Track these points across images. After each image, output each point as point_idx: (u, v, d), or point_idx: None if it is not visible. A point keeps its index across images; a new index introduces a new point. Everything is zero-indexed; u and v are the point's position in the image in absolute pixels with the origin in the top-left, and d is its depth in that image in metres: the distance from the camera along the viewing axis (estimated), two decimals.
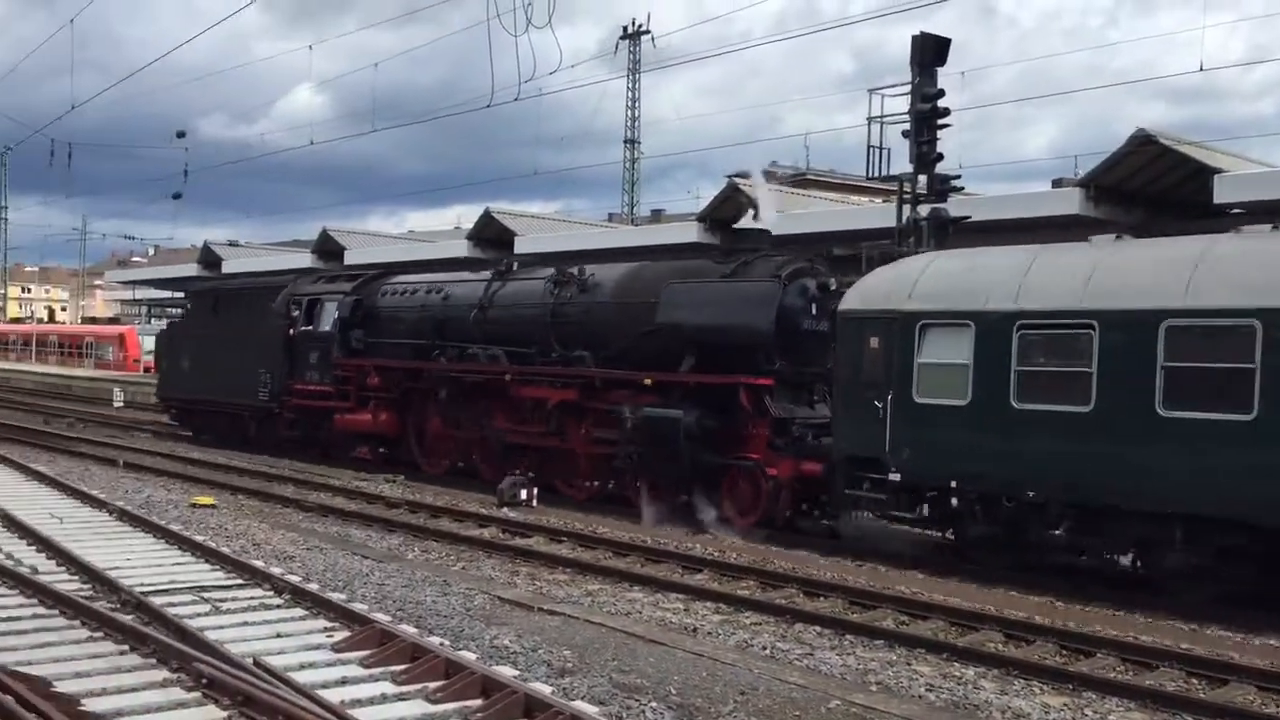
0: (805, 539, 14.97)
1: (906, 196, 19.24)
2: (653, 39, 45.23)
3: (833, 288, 15.68)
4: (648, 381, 16.67)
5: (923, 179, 18.97)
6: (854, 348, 13.98)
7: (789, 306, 15.62)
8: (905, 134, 18.85)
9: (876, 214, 23.59)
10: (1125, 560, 12.50)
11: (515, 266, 21.51)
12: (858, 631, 10.43)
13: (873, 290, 14.21)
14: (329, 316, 22.95)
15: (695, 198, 60.63)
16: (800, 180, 47.45)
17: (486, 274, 20.93)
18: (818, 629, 10.54)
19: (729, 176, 44.87)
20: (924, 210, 18.70)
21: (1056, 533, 12.31)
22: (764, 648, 9.82)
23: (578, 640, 9.66)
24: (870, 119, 19.82)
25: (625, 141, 46.92)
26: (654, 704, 7.97)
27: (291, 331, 23.66)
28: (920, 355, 13.19)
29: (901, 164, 19.54)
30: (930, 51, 18.35)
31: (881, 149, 19.81)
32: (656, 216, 58.83)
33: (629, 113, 46.41)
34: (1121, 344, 11.51)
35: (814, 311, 15.62)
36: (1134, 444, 11.39)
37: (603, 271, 18.73)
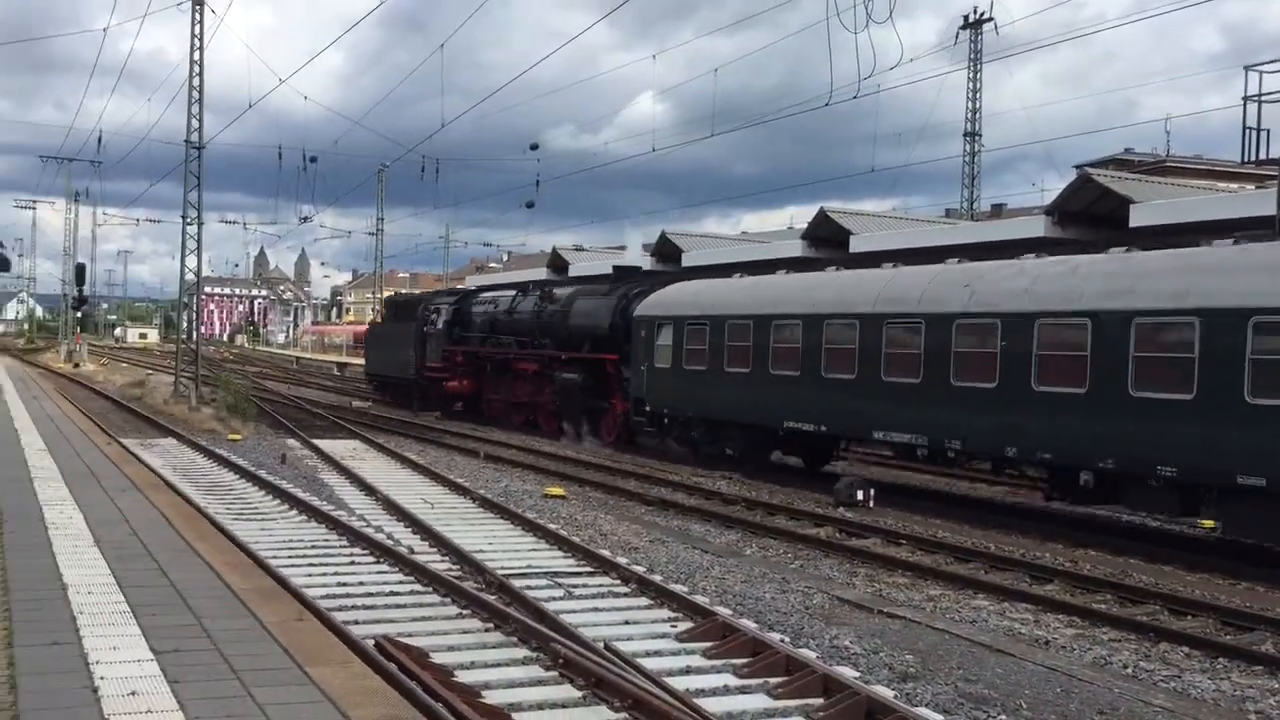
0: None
1: None
2: (995, 27, 43.25)
3: None
4: (564, 358, 27.63)
5: None
6: (637, 336, 24.34)
7: (627, 314, 25.30)
8: None
9: (1251, 201, 21.45)
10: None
11: (531, 288, 31.82)
12: (1233, 655, 9.57)
13: (646, 303, 24.58)
14: (442, 319, 34.87)
15: (1040, 190, 57.73)
16: (1159, 167, 44.03)
17: (513, 291, 32.86)
18: (1185, 649, 9.76)
19: (1078, 166, 42.41)
20: None
21: (694, 434, 22.59)
22: (1124, 666, 9.21)
23: (920, 645, 9.45)
24: (1246, 98, 18.06)
25: (965, 134, 45.04)
26: (1003, 717, 7.67)
27: (425, 329, 35.50)
28: (658, 340, 23.44)
29: None
30: None
31: (1259, 130, 18.00)
32: (997, 211, 56.47)
33: (969, 104, 44.66)
34: (718, 335, 21.63)
35: None
36: (717, 388, 21.60)
37: (561, 290, 29.76)
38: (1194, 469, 12.93)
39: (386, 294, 61.35)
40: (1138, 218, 22.21)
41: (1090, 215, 24.27)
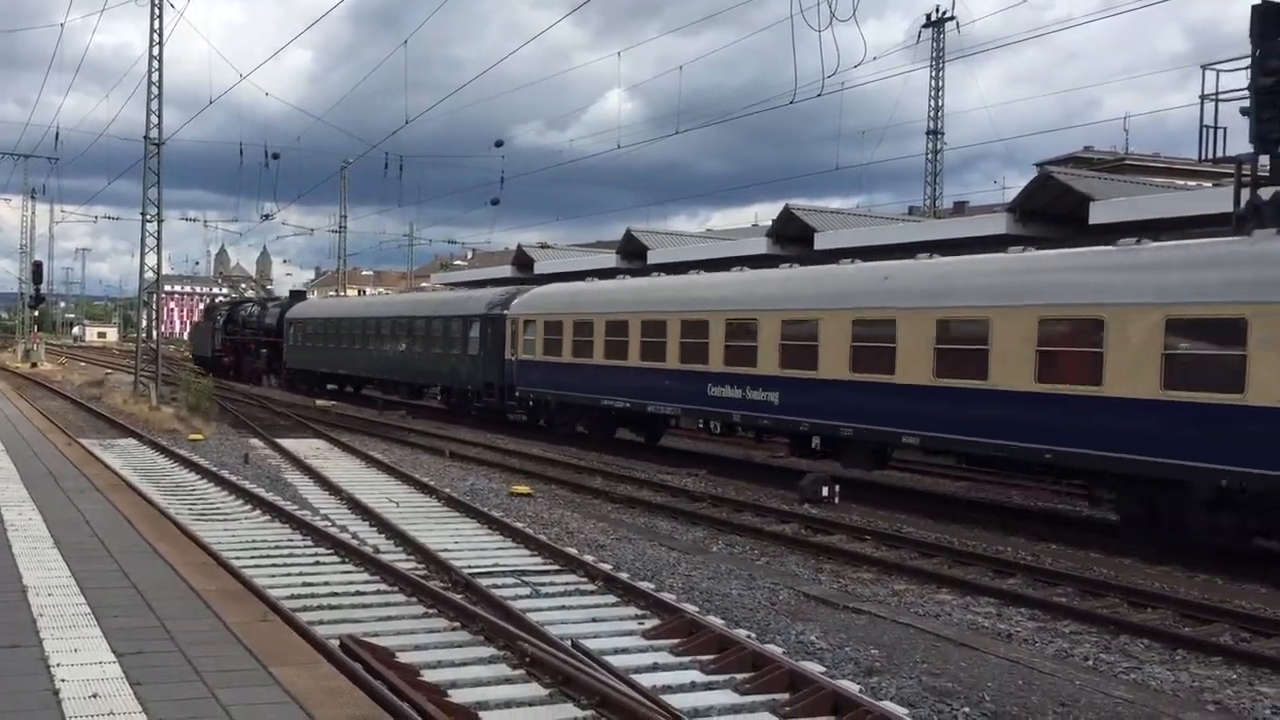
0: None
1: (1245, 179, 17.62)
2: (958, 26, 43.62)
3: None
4: (263, 340, 49.64)
5: (1264, 160, 17.31)
6: (285, 329, 47.03)
7: (283, 317, 48.05)
8: (1244, 111, 17.26)
9: (1209, 198, 21.75)
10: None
11: (259, 300, 56.24)
12: (1191, 646, 9.72)
13: (289, 312, 47.92)
14: (222, 320, 53.76)
15: (1002, 189, 58.21)
16: (1119, 165, 44.54)
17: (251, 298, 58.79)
18: (1145, 642, 9.90)
19: (1039, 164, 42.75)
20: (1265, 194, 17.10)
21: (307, 381, 43.53)
22: (1085, 658, 9.33)
23: (885, 640, 9.52)
24: (1203, 97, 18.23)
25: (928, 133, 45.36)
26: (967, 709, 7.74)
27: (215, 326, 54.30)
28: (291, 330, 46.26)
29: (1240, 145, 17.90)
30: (1272, 21, 16.73)
31: (1216, 129, 18.20)
32: (960, 209, 56.89)
33: (931, 103, 44.94)
34: (317, 328, 43.45)
35: None
36: (312, 355, 43.44)
37: (269, 302, 52.91)
38: None
39: (350, 293, 64.34)
40: (1098, 215, 22.46)
41: (1051, 213, 24.53)
